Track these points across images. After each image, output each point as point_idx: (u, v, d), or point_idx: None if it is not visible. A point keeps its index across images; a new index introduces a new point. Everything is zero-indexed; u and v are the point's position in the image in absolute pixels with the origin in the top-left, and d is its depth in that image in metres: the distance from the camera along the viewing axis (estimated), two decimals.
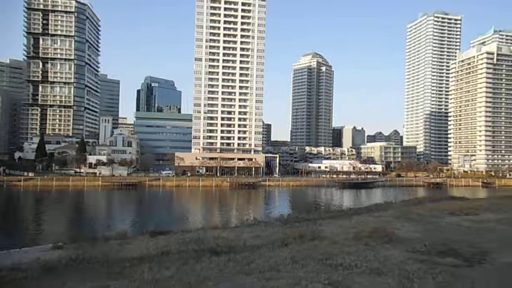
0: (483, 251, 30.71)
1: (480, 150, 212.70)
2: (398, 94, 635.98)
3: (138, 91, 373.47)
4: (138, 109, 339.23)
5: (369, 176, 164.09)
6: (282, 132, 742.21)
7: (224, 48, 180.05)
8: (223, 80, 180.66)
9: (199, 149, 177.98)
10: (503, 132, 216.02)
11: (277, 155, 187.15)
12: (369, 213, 52.21)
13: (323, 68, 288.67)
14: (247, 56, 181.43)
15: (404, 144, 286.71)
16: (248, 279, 19.53)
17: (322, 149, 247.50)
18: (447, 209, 57.20)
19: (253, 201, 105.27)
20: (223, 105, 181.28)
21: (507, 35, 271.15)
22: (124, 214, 79.52)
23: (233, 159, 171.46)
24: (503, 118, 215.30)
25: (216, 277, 19.92)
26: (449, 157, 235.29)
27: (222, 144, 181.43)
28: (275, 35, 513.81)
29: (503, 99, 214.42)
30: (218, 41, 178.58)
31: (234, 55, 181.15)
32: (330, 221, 44.89)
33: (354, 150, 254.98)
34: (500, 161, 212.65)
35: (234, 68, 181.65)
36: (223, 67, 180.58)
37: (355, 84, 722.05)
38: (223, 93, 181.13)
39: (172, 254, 24.45)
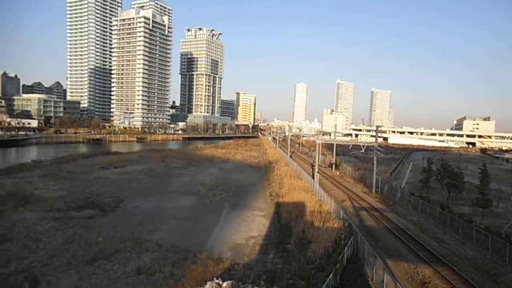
0: (119, 200, 35.11)
1: (138, 109, 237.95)
2: (63, 40, 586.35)
3: None
4: None
5: (21, 133, 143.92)
6: None
7: None
8: None
9: None
10: (156, 94, 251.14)
11: None
12: (8, 176, 46.38)
13: None
14: None
15: (68, 98, 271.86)
16: None
17: None
18: (99, 163, 60.63)
19: None
20: None
21: (161, 5, 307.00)
22: None
23: None
24: (156, 81, 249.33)
25: None
26: (112, 114, 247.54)
27: None
28: None
29: (157, 64, 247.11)
30: None
31: None
32: None
33: (3, 101, 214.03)
34: (152, 119, 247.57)
35: None
36: None
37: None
38: None
39: None
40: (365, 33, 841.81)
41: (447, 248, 24.15)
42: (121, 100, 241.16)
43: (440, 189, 48.96)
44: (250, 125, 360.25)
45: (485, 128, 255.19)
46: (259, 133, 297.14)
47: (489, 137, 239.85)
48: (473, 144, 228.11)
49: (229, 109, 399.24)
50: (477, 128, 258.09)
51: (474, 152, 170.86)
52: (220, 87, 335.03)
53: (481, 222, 31.92)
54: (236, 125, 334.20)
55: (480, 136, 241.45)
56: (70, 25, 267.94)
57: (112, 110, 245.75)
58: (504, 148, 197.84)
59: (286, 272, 17.03)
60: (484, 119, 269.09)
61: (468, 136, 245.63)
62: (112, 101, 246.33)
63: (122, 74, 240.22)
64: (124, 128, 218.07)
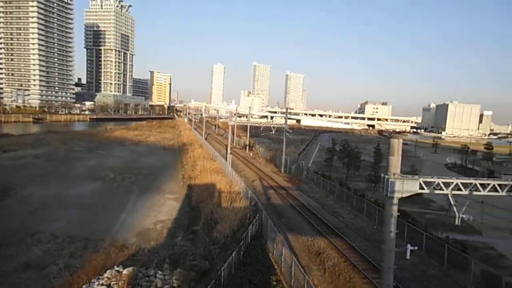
0: (8, 187, 31.23)
1: (34, 85, 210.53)
2: None
3: None
4: None
5: None
6: None
7: None
8: None
9: None
10: (56, 69, 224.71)
11: None
12: None
13: None
14: None
15: None
16: None
17: None
18: None
19: None
20: None
21: None
22: None
23: None
24: (56, 54, 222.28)
25: None
26: (1, 91, 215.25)
27: None
28: None
29: (56, 34, 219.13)
30: None
31: None
32: None
33: None
34: (53, 97, 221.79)
35: None
36: None
37: None
38: None
39: None
40: (280, 14, 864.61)
41: (341, 221, 26.81)
42: (12, 74, 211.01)
43: (341, 168, 53.69)
44: (166, 106, 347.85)
45: (383, 112, 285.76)
46: (175, 114, 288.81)
47: (386, 120, 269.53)
48: (373, 126, 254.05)
49: (142, 88, 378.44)
50: (377, 112, 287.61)
51: (373, 134, 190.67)
52: (132, 65, 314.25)
53: (372, 196, 35.95)
54: (151, 105, 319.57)
55: (378, 119, 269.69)
56: None
57: (1, 86, 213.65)
58: (397, 130, 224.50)
59: (190, 254, 17.19)
60: (383, 104, 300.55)
61: (369, 119, 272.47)
62: (0, 76, 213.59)
63: (11, 44, 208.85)
64: (17, 107, 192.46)
